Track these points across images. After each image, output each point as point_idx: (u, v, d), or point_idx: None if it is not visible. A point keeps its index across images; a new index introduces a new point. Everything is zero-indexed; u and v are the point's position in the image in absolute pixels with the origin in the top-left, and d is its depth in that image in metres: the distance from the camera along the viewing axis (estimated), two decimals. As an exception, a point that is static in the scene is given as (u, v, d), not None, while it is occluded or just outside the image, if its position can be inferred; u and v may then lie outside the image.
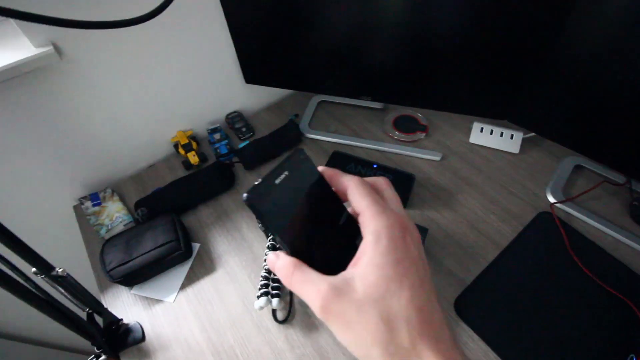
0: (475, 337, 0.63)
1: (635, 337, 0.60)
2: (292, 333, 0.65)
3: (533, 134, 0.89)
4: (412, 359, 0.21)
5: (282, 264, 0.24)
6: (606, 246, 0.72)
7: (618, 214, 0.77)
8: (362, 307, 0.21)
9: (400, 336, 0.21)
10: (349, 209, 0.27)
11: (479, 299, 0.67)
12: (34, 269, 0.49)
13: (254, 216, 0.82)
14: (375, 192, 0.25)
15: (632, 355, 0.58)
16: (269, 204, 0.24)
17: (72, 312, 0.54)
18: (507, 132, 0.91)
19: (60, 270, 0.51)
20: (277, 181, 0.24)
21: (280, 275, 0.24)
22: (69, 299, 0.55)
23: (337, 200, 0.27)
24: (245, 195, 0.23)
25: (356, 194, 0.25)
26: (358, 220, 0.25)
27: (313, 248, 0.25)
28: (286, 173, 0.25)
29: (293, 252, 0.24)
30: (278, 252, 0.25)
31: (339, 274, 0.23)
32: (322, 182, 0.26)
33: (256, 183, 0.24)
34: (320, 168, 0.27)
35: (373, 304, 0.21)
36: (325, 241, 0.26)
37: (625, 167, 0.72)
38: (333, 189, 0.27)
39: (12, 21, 0.68)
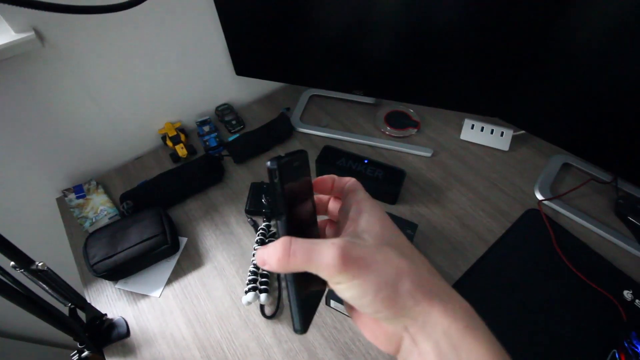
0: (463, 332, 0.63)
1: (618, 332, 0.61)
2: (280, 328, 0.65)
3: (523, 131, 0.90)
4: (433, 290, 0.22)
5: (274, 245, 0.22)
6: (591, 243, 0.73)
7: (604, 212, 0.78)
8: (380, 248, 0.23)
9: (421, 269, 0.23)
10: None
11: (467, 295, 0.67)
12: (12, 263, 0.47)
13: (242, 211, 0.81)
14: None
15: (615, 350, 0.59)
16: (287, 181, 0.23)
17: (53, 307, 0.53)
18: (498, 130, 0.91)
19: (40, 264, 0.49)
20: (294, 164, 0.25)
21: (275, 256, 0.22)
22: (50, 293, 0.53)
23: (314, 212, 0.29)
24: (270, 162, 0.23)
25: (358, 184, 0.28)
26: (346, 201, 0.27)
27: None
28: (297, 162, 0.25)
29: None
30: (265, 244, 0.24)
31: (339, 236, 0.24)
32: (310, 186, 0.28)
33: (281, 155, 0.24)
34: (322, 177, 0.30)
35: (387, 245, 0.23)
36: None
37: (612, 166, 0.73)
38: (330, 187, 0.30)
39: (-10, 4, 0.65)
